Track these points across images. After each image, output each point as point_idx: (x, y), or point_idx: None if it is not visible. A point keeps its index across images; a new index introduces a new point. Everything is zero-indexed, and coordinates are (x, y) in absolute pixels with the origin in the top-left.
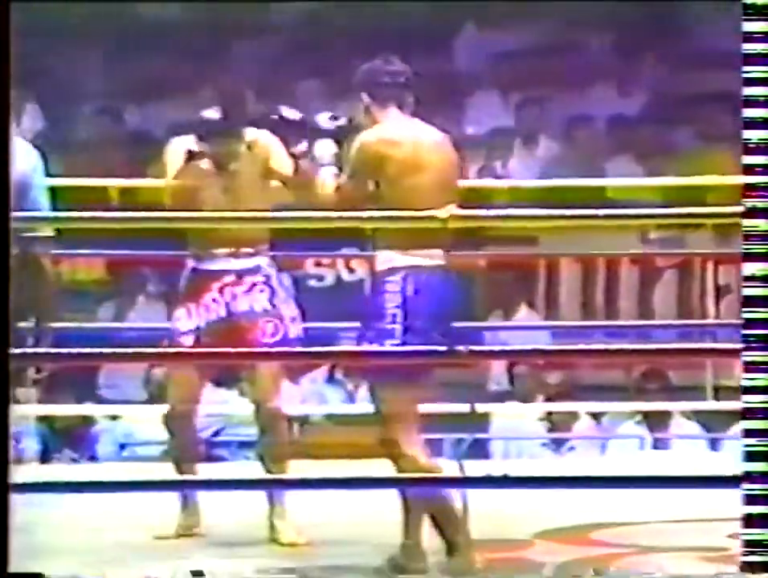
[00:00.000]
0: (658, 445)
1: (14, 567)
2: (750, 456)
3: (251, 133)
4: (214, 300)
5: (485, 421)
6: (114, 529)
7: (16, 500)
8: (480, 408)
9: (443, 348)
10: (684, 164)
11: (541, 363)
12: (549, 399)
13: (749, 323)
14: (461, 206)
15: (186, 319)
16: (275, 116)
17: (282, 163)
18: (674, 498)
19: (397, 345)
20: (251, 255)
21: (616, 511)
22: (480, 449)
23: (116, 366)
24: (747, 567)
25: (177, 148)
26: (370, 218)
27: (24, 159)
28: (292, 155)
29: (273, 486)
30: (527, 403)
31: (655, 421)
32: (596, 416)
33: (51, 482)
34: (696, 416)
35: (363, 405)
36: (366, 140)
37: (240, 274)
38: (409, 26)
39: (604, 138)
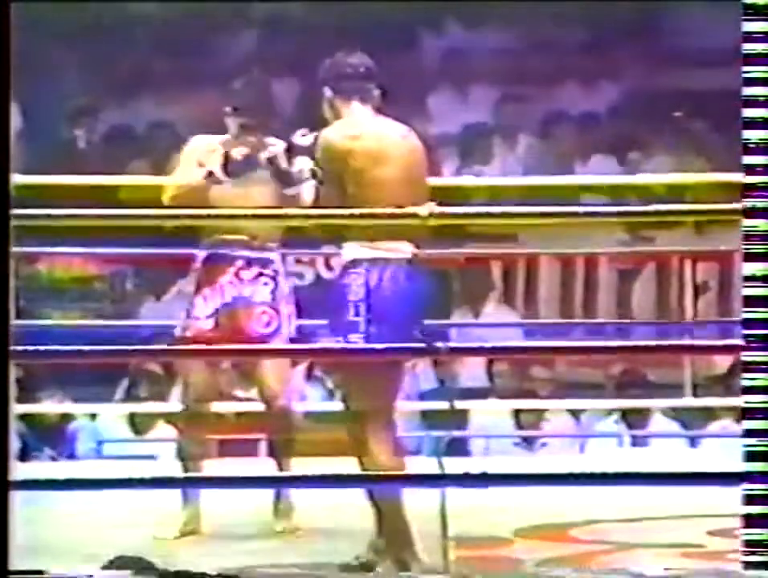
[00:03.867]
0: (637, 442)
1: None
2: (750, 456)
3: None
4: (230, 283)
5: (465, 419)
6: (115, 527)
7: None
8: (460, 405)
9: (421, 345)
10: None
11: (520, 360)
12: (529, 396)
13: (749, 323)
14: (440, 203)
15: (203, 306)
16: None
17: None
18: (652, 495)
19: (361, 338)
20: (263, 249)
21: (594, 509)
22: (460, 447)
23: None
24: (747, 566)
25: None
26: (348, 216)
27: None
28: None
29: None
30: (506, 400)
31: (634, 419)
32: (575, 413)
33: (53, 480)
34: (675, 413)
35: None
36: (329, 135)
37: (250, 262)
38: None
39: (580, 135)
